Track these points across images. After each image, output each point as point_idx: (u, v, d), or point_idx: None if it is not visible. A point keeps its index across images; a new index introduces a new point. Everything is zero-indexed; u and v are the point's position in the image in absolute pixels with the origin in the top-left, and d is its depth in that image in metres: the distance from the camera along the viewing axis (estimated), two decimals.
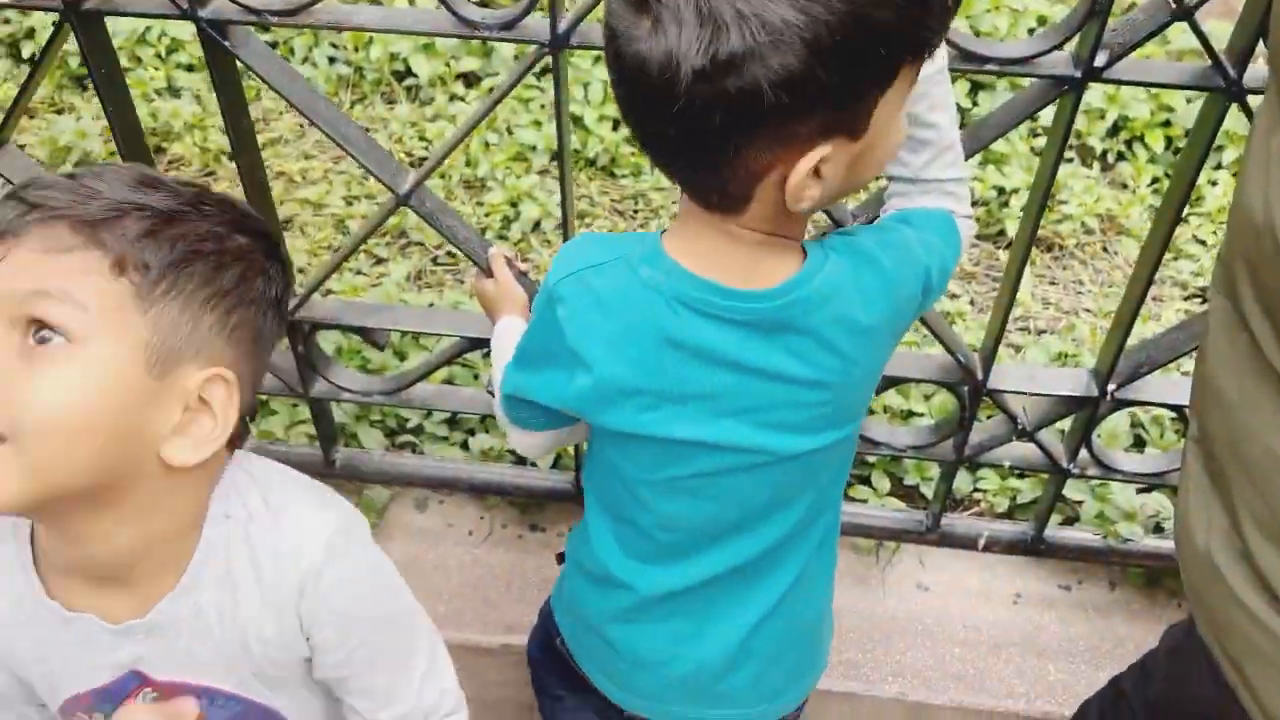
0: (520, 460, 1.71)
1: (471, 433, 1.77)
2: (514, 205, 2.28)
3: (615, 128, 2.40)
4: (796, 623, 1.09)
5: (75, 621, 0.80)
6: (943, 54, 0.92)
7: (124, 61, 2.51)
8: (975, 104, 2.34)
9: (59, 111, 2.48)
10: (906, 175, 0.97)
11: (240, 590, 0.81)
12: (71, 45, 2.47)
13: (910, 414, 1.77)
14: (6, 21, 2.60)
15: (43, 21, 2.55)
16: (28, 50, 2.55)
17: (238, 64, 1.21)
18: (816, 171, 0.79)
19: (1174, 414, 1.41)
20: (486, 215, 2.27)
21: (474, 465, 1.67)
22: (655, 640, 1.07)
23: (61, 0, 1.13)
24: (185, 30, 2.55)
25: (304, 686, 0.89)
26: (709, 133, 0.75)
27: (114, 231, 0.70)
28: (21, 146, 2.32)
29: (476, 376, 1.82)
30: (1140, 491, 1.63)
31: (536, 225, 2.27)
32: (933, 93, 0.93)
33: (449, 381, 1.79)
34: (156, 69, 2.52)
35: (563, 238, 1.32)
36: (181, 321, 0.72)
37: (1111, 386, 1.33)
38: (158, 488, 0.74)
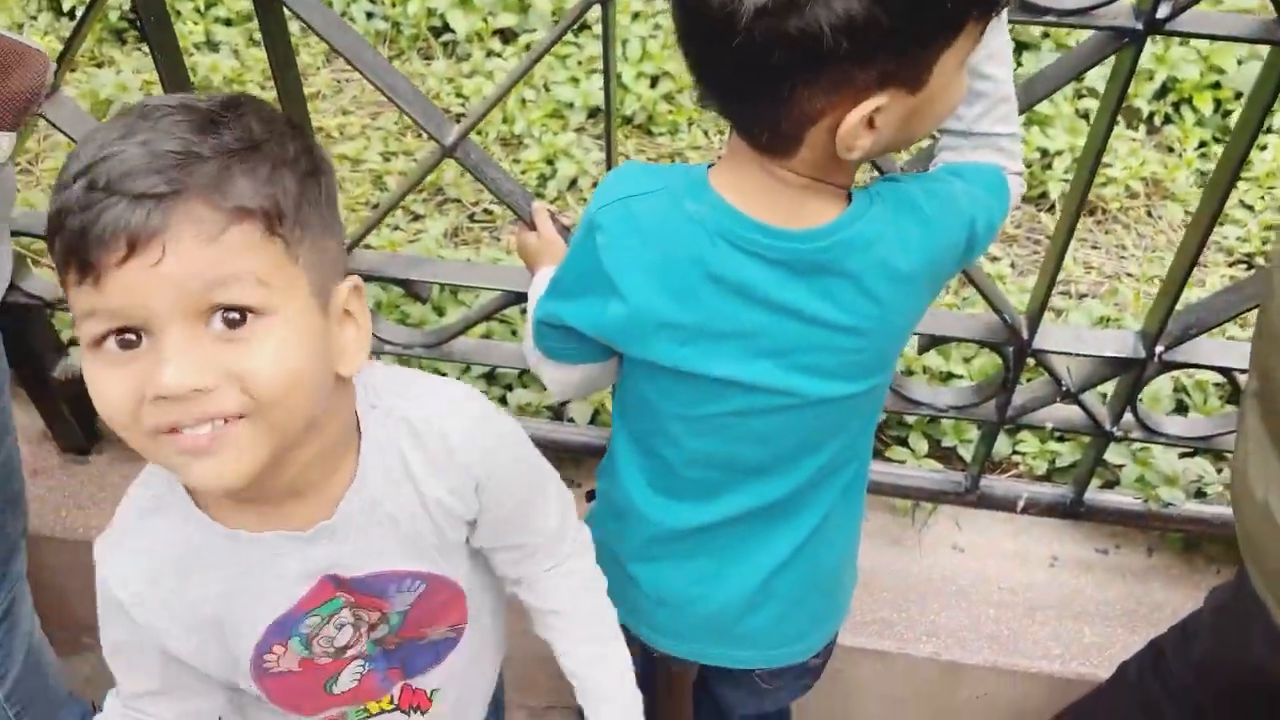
0: (558, 416, 1.72)
1: (510, 388, 1.78)
2: (550, 163, 2.27)
3: (653, 85, 2.38)
4: (818, 568, 1.10)
5: (263, 541, 0.82)
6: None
7: None
8: (1020, 64, 2.30)
9: (99, 65, 2.49)
10: (959, 128, 0.96)
11: (409, 465, 0.85)
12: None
13: (950, 375, 1.76)
14: None
15: None
16: (68, 3, 2.55)
17: (285, 13, 1.20)
18: (870, 122, 0.78)
19: (1220, 378, 1.39)
20: (523, 173, 2.26)
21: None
22: (678, 578, 1.08)
23: None
24: None
25: (471, 556, 0.95)
26: (766, 70, 0.75)
27: (238, 191, 0.68)
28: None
29: (514, 332, 1.82)
30: (1182, 456, 1.61)
31: (573, 183, 2.26)
32: (990, 43, 0.91)
33: (488, 337, 1.80)
34: (196, 23, 2.52)
35: None
36: (318, 252, 0.73)
37: (1159, 348, 1.32)
38: (333, 403, 0.78)
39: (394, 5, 2.55)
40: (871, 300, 0.89)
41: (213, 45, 2.51)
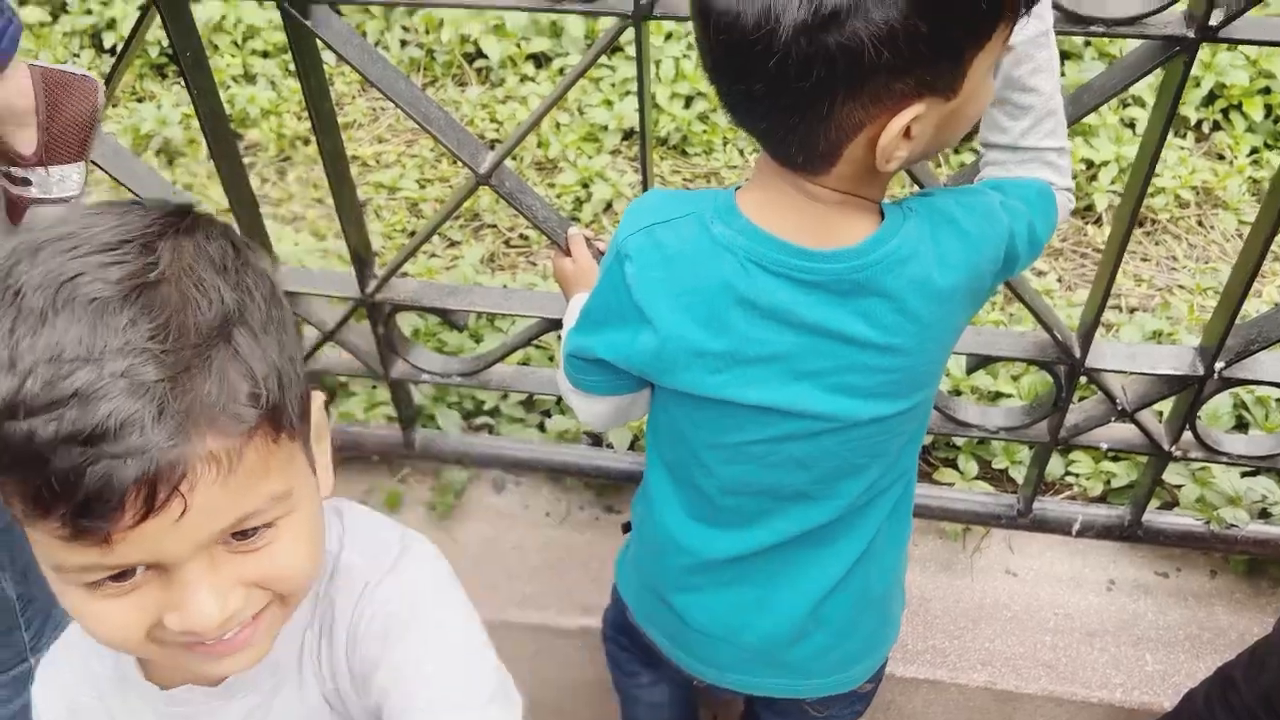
0: (596, 441, 1.70)
1: (548, 414, 1.76)
2: (586, 186, 2.26)
3: (687, 105, 2.37)
4: (867, 593, 1.07)
5: (177, 694, 0.76)
6: (1049, 16, 0.88)
7: None
8: (1063, 73, 2.25)
9: (140, 100, 2.53)
10: (1004, 142, 0.93)
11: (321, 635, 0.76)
12: (152, 35, 2.52)
13: (999, 395, 1.71)
14: (88, 12, 2.65)
15: (123, 12, 2.59)
16: (109, 40, 2.60)
17: (319, 45, 1.20)
18: (908, 131, 0.76)
19: None
20: (559, 196, 2.26)
21: (550, 446, 1.66)
22: (721, 607, 1.06)
23: None
24: (261, 16, 2.57)
25: None
26: (803, 89, 0.73)
27: (239, 397, 0.59)
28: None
29: (552, 358, 1.81)
30: (1244, 475, 1.56)
31: (608, 206, 2.25)
32: (1036, 56, 0.88)
33: (525, 363, 1.78)
34: (233, 55, 2.55)
35: None
36: (301, 401, 0.66)
37: (1219, 364, 1.27)
38: None
39: (428, 33, 2.56)
40: (910, 318, 0.87)
41: (250, 77, 2.54)
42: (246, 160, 2.42)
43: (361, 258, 1.41)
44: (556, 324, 1.41)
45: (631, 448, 1.69)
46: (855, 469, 0.96)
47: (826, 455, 0.94)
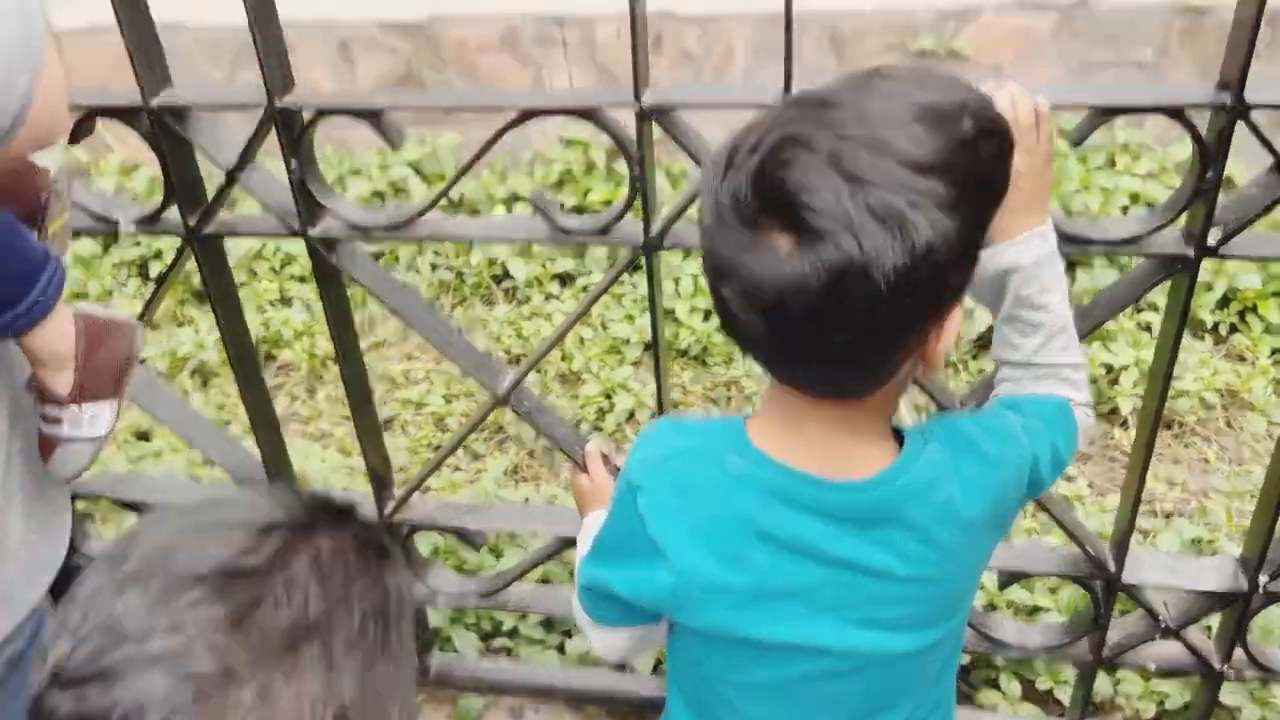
0: (620, 665, 1.63)
1: (569, 634, 1.71)
2: (608, 397, 2.29)
3: (706, 318, 2.43)
4: None
5: None
6: (1053, 237, 0.90)
7: (241, 275, 2.67)
8: (1073, 280, 2.30)
9: (180, 325, 2.63)
10: (1018, 359, 0.93)
11: None
12: (193, 263, 2.65)
13: (1036, 609, 1.64)
14: (136, 244, 2.80)
15: (169, 243, 2.74)
16: (155, 270, 2.73)
17: (344, 278, 1.26)
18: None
19: None
20: (582, 407, 2.28)
21: (571, 671, 1.60)
22: None
23: (184, 225, 1.21)
24: (298, 246, 2.70)
25: None
26: (893, 324, 0.72)
27: (274, 707, 0.52)
28: (143, 360, 2.46)
29: (573, 574, 1.77)
30: None
31: (631, 415, 2.26)
32: (1043, 275, 0.90)
33: (545, 581, 1.75)
34: (271, 281, 2.67)
35: None
36: None
37: (1264, 578, 1.22)
38: None
39: (458, 256, 2.67)
40: (933, 547, 0.84)
41: (286, 300, 2.65)
42: (278, 380, 2.48)
43: (380, 477, 1.41)
44: (574, 541, 1.39)
45: (655, 671, 1.62)
46: (888, 704, 0.91)
47: (856, 692, 0.90)
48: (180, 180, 1.19)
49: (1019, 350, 0.93)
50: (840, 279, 0.69)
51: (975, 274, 0.78)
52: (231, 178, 1.17)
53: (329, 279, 1.25)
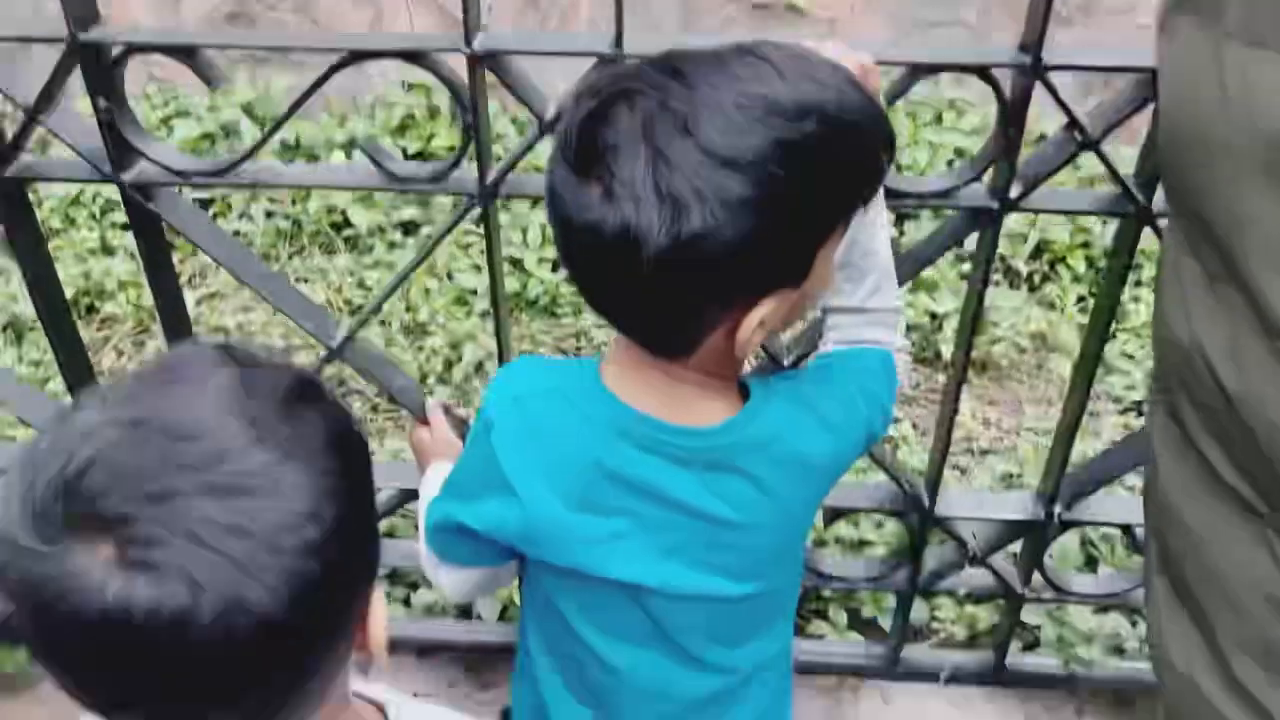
0: (465, 614, 1.64)
1: (414, 587, 1.70)
2: (455, 348, 2.27)
3: (554, 269, 2.42)
4: None
5: None
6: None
7: (57, 222, 2.50)
8: (902, 232, 2.41)
9: None
10: (850, 305, 0.97)
11: None
12: None
13: (863, 543, 1.74)
14: None
15: None
16: None
17: (163, 225, 1.20)
18: (762, 322, 0.79)
19: (1123, 532, 1.40)
20: (428, 360, 2.25)
21: (417, 622, 1.60)
22: None
23: None
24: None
25: None
26: (662, 297, 0.75)
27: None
28: None
29: (417, 528, 1.77)
30: (1097, 612, 1.60)
31: (479, 367, 2.25)
32: (875, 220, 0.94)
33: (389, 534, 1.73)
34: (90, 229, 2.50)
35: None
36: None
37: (1057, 508, 1.33)
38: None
39: (295, 203, 2.58)
40: (770, 497, 0.88)
41: (108, 250, 2.49)
42: (102, 333, 2.34)
43: None
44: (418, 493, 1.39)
45: (502, 617, 1.64)
46: (732, 643, 0.96)
47: (697, 631, 0.94)
48: None
49: (850, 297, 0.97)
50: (619, 240, 0.71)
51: None
52: (32, 117, 1.10)
53: (146, 227, 1.19)
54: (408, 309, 2.35)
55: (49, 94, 1.09)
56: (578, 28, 2.80)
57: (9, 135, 1.14)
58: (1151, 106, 1.03)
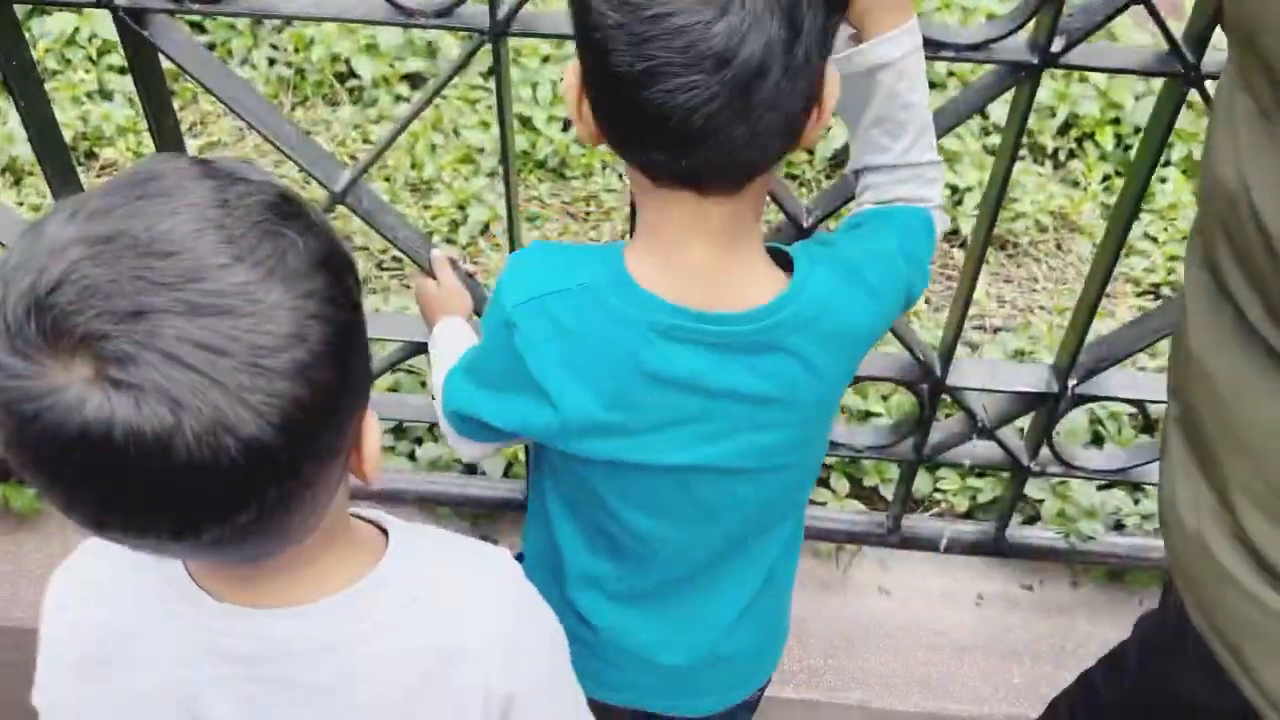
0: (470, 469, 1.65)
1: (419, 442, 1.71)
2: (461, 208, 2.22)
3: (565, 129, 2.35)
4: (768, 616, 1.08)
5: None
6: (919, 31, 0.89)
7: (53, 64, 2.41)
8: None
9: None
10: (887, 162, 0.93)
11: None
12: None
13: (868, 414, 1.74)
14: None
15: None
16: None
17: (160, 58, 1.14)
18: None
19: (1133, 410, 1.39)
20: (433, 219, 2.21)
21: (421, 476, 1.61)
22: (628, 638, 1.04)
23: None
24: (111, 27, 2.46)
25: None
26: (795, 68, 0.72)
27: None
28: None
29: (424, 384, 1.76)
30: (1100, 489, 1.61)
31: (485, 228, 2.21)
32: (912, 69, 0.89)
33: (394, 390, 1.73)
34: (87, 71, 2.42)
35: (509, 240, 1.27)
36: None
37: (1072, 382, 1.31)
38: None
39: (298, 51, 2.48)
40: (814, 372, 0.86)
41: (106, 94, 2.42)
42: (101, 180, 2.29)
43: None
44: (425, 347, 1.37)
45: (506, 474, 1.65)
46: (760, 511, 0.97)
47: (737, 503, 0.94)
48: None
49: (888, 153, 0.92)
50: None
51: (842, 78, 0.78)
52: None
53: (142, 60, 1.14)
54: (413, 165, 2.29)
55: None
56: None
57: None
58: None
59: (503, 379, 0.88)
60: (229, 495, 0.54)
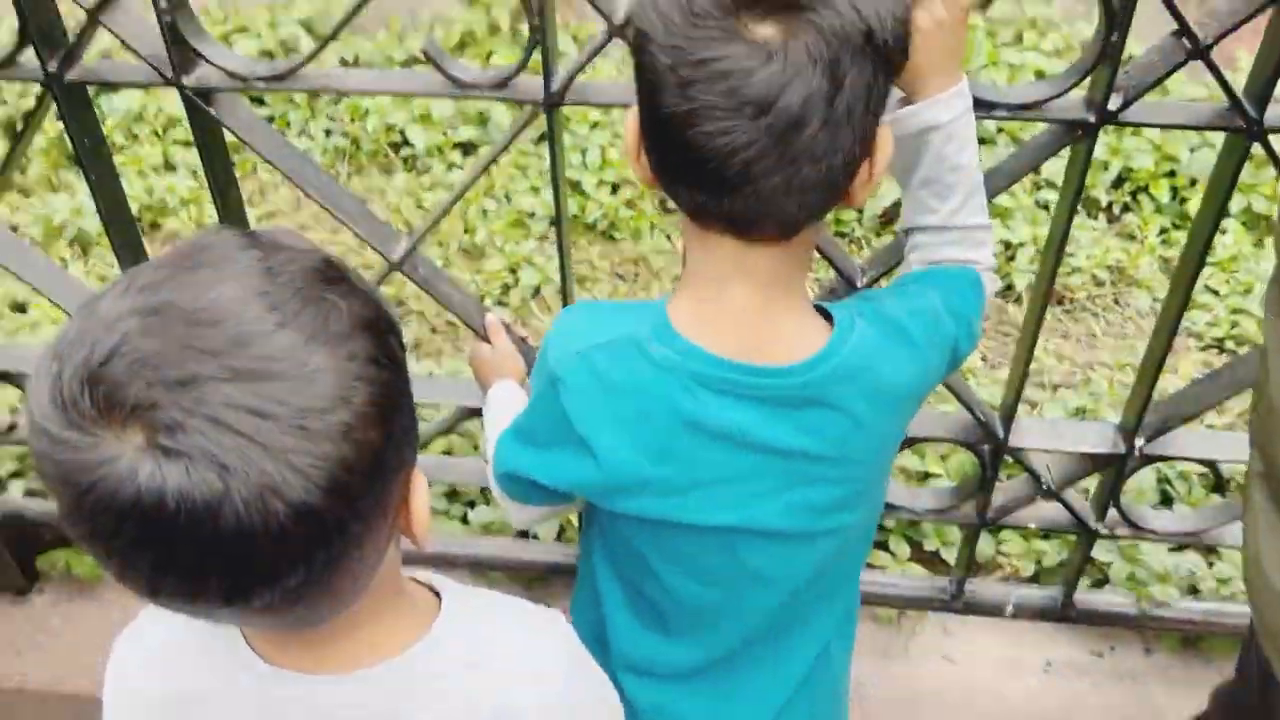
0: (523, 533, 1.64)
1: (471, 505, 1.71)
2: (513, 271, 2.25)
3: (614, 192, 2.38)
4: (825, 690, 1.04)
5: None
6: (969, 93, 0.88)
7: (120, 139, 2.50)
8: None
9: (55, 191, 2.47)
10: (934, 223, 0.92)
11: None
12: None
13: (927, 475, 1.70)
14: (4, 103, 2.60)
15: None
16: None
17: (224, 133, 1.18)
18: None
19: (1203, 469, 1.35)
20: (486, 282, 2.23)
21: (474, 539, 1.61)
22: (677, 715, 1.01)
23: (44, 70, 1.11)
24: (179, 105, 2.54)
25: None
26: (849, 117, 0.71)
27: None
28: (15, 228, 2.31)
29: (476, 447, 1.76)
30: (1172, 551, 1.56)
31: (536, 291, 2.23)
32: (962, 133, 0.88)
33: (447, 453, 1.73)
34: (153, 145, 2.51)
35: (563, 303, 1.27)
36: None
37: (1140, 441, 1.27)
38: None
39: (353, 121, 2.55)
40: (860, 428, 0.85)
41: (170, 167, 2.50)
42: (165, 250, 2.36)
43: None
44: (479, 411, 1.37)
45: (559, 538, 1.64)
46: (811, 578, 0.94)
47: (788, 569, 0.92)
48: (37, 19, 1.08)
49: (936, 214, 0.92)
50: (841, 45, 0.68)
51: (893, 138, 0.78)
52: (93, 17, 1.08)
53: (208, 135, 1.17)
54: (466, 230, 2.33)
55: None
56: None
57: (70, 37, 1.12)
58: (1270, 11, 0.95)
59: (549, 435, 0.87)
60: (278, 559, 0.54)
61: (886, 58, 0.71)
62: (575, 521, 1.60)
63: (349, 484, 0.54)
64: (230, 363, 0.51)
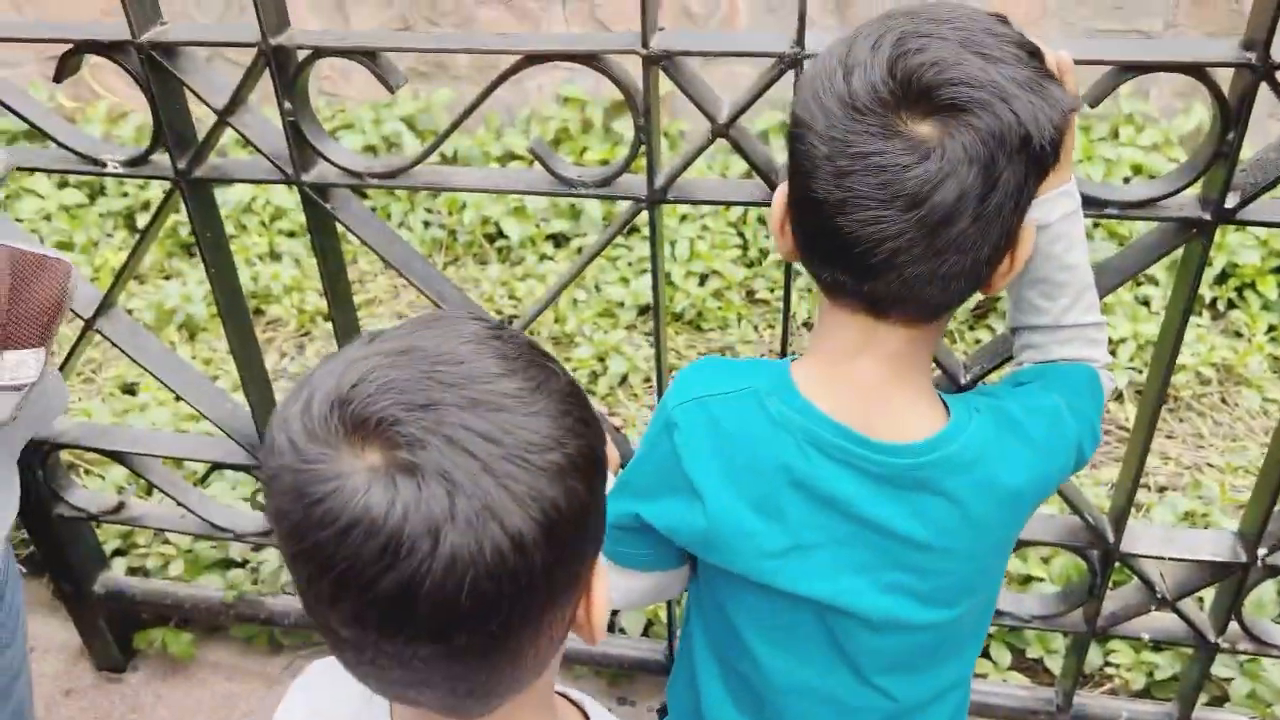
0: (609, 628, 1.62)
1: None
2: (601, 360, 2.26)
3: (701, 283, 2.40)
4: None
5: None
6: (1077, 193, 0.88)
7: (230, 229, 2.62)
8: None
9: (168, 278, 2.59)
10: (1045, 323, 0.91)
11: None
12: (181, 215, 2.61)
13: (1028, 578, 1.64)
14: (124, 194, 2.75)
15: (157, 195, 2.69)
16: (142, 222, 2.68)
17: (337, 226, 1.22)
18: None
19: None
20: (574, 370, 2.25)
21: None
22: None
23: (174, 168, 1.17)
24: (289, 199, 2.66)
25: None
26: (998, 212, 0.73)
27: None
28: (130, 311, 2.42)
29: None
30: None
31: (624, 379, 2.24)
32: (1071, 233, 0.88)
33: None
34: (260, 235, 2.62)
35: (655, 391, 1.28)
36: None
37: (1262, 551, 1.21)
38: None
39: (451, 214, 2.64)
40: (970, 522, 0.83)
41: (275, 255, 2.60)
42: (267, 335, 2.45)
43: None
44: None
45: (646, 633, 1.61)
46: (912, 670, 0.90)
47: (878, 656, 0.89)
48: (170, 121, 1.15)
49: (1046, 314, 0.90)
50: (998, 147, 0.70)
51: None
52: (223, 119, 1.14)
53: (323, 228, 1.22)
54: (556, 320, 2.36)
55: (239, 96, 1.12)
56: None
57: (199, 137, 1.18)
58: None
59: (657, 481, 0.87)
60: (485, 593, 0.54)
61: (1040, 161, 0.72)
62: (663, 616, 1.57)
63: (558, 524, 0.55)
64: (466, 393, 0.55)
